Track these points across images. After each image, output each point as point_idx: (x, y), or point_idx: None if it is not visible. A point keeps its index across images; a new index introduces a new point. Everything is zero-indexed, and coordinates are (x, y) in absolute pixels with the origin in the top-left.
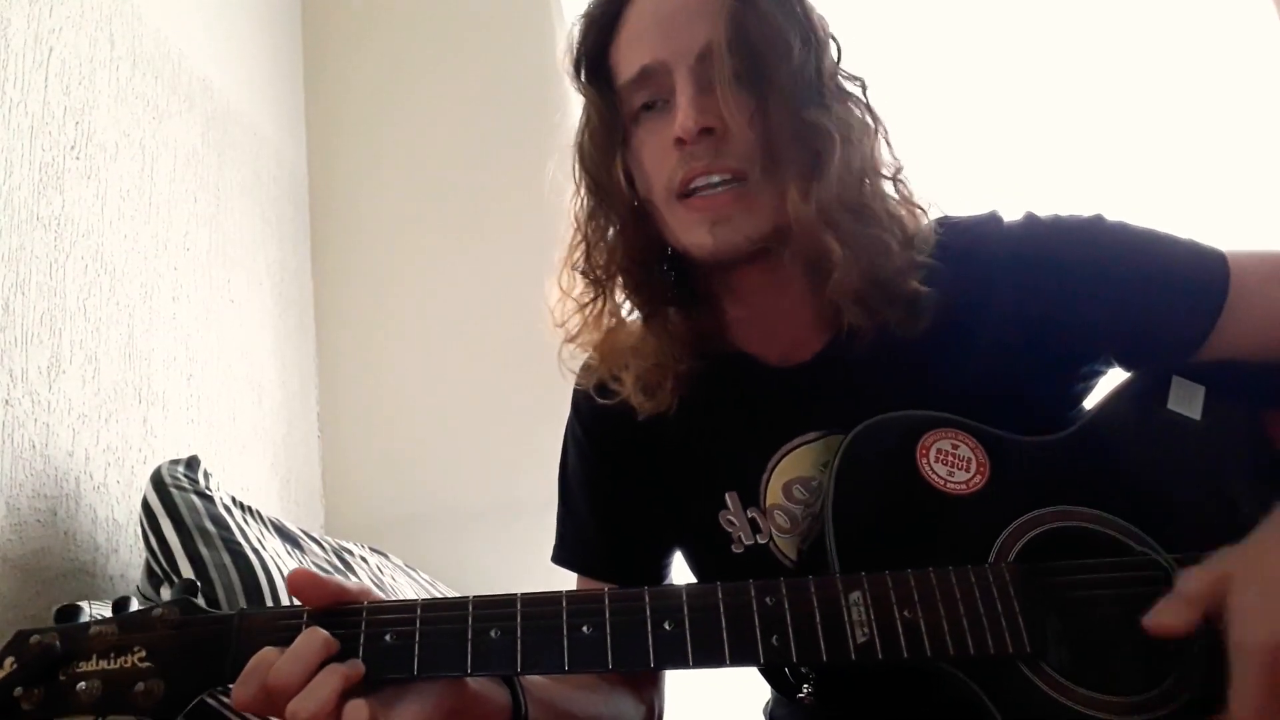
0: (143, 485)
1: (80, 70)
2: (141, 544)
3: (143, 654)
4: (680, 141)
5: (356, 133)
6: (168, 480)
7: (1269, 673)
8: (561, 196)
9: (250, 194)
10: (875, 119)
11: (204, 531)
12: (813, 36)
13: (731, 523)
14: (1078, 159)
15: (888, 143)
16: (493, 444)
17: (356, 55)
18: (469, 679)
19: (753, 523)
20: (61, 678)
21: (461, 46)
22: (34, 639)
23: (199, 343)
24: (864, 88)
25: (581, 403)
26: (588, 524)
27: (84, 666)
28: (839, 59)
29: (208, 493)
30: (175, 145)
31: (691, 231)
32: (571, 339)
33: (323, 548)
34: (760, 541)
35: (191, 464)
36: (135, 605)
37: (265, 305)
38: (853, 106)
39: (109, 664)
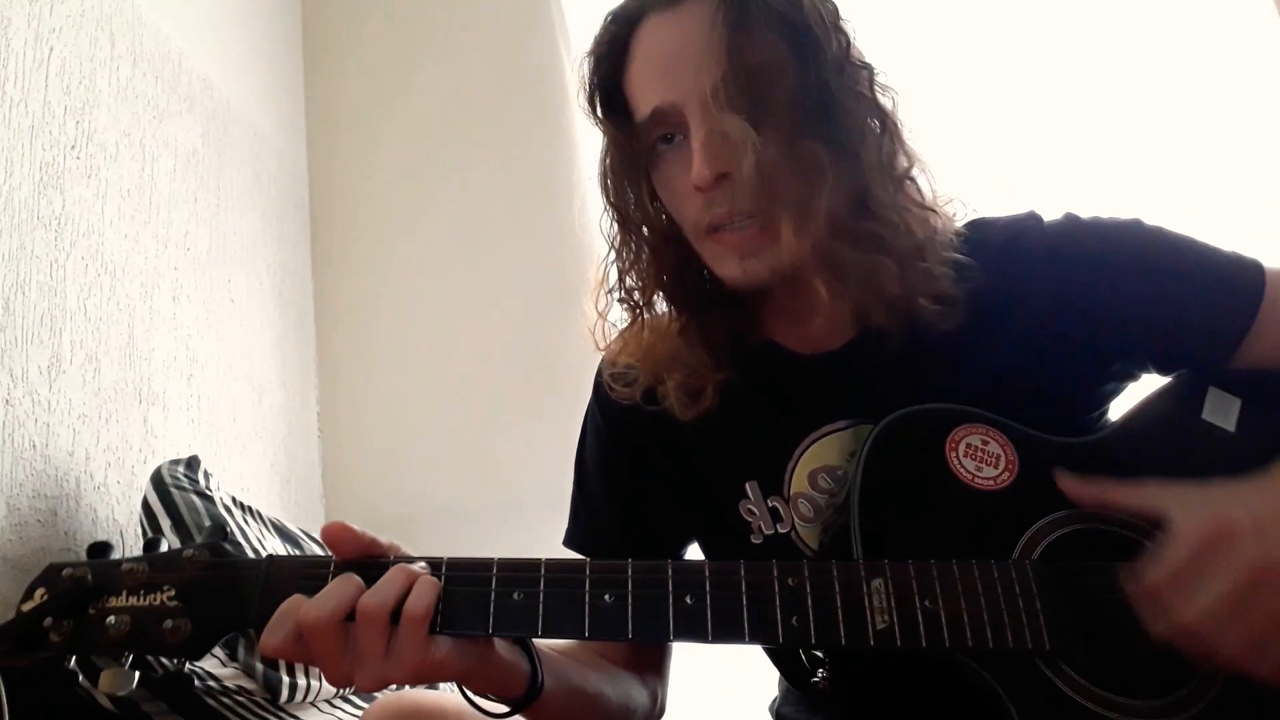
0: (143, 485)
1: (80, 70)
2: (142, 545)
3: (172, 593)
4: (698, 188)
5: (356, 132)
6: (168, 480)
7: (1198, 541)
8: (557, 200)
9: (250, 194)
10: (883, 116)
11: (204, 531)
12: (816, 42)
13: (752, 512)
14: (1081, 160)
15: (900, 138)
16: (493, 444)
17: (356, 55)
18: (494, 643)
19: (774, 511)
20: (91, 611)
21: (461, 46)
22: (66, 571)
23: (199, 342)
24: (871, 78)
25: (603, 388)
26: (602, 509)
27: (114, 602)
28: (848, 47)
29: (208, 493)
30: (175, 145)
31: (721, 264)
32: (613, 358)
33: (323, 548)
34: (781, 531)
35: (191, 464)
36: (165, 547)
37: (265, 305)
38: (858, 110)
39: (139, 600)
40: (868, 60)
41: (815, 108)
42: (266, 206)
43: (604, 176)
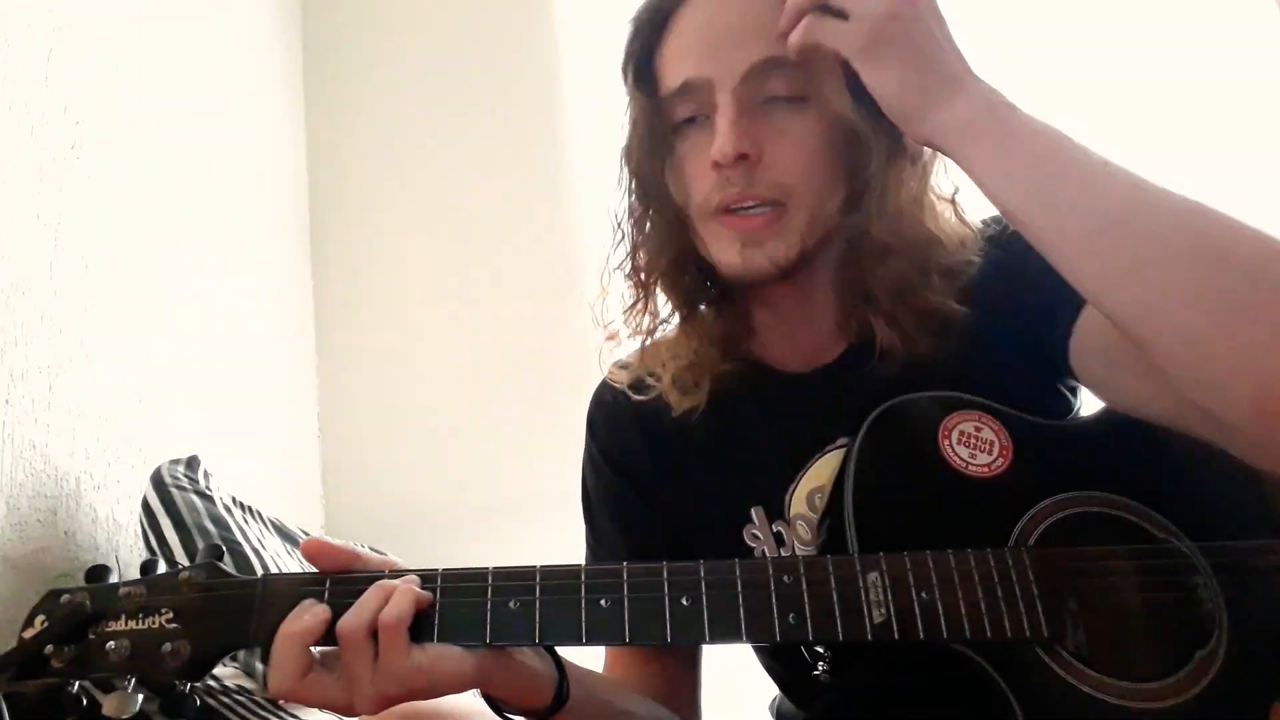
0: (143, 485)
1: (80, 70)
2: (141, 544)
3: (170, 615)
4: (717, 165)
5: (357, 132)
6: (168, 480)
7: None
8: (556, 199)
9: (250, 194)
10: (918, 150)
11: (204, 531)
12: None
13: (756, 537)
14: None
15: (930, 170)
16: (493, 444)
17: (357, 55)
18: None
19: (777, 536)
20: (91, 636)
21: (460, 46)
22: (65, 598)
23: (199, 342)
24: None
25: (597, 424)
26: (616, 543)
27: (113, 626)
28: None
29: (208, 492)
30: (175, 145)
31: (721, 249)
32: (612, 338)
33: None
34: (784, 555)
35: (191, 464)
36: (162, 568)
37: (265, 305)
38: (894, 134)
39: (137, 624)
40: None
41: (853, 119)
42: (266, 206)
43: (629, 149)
